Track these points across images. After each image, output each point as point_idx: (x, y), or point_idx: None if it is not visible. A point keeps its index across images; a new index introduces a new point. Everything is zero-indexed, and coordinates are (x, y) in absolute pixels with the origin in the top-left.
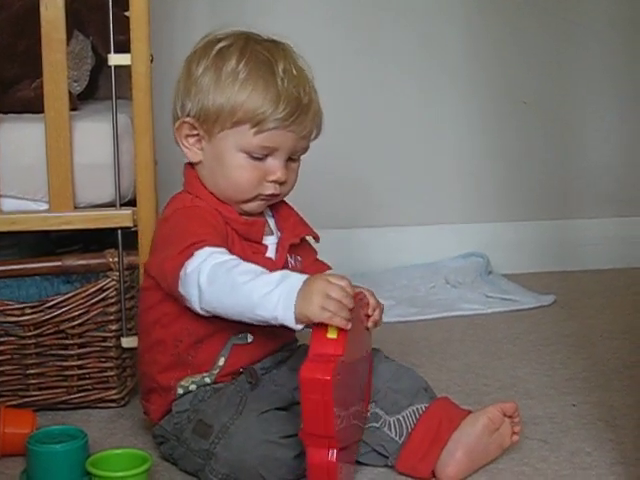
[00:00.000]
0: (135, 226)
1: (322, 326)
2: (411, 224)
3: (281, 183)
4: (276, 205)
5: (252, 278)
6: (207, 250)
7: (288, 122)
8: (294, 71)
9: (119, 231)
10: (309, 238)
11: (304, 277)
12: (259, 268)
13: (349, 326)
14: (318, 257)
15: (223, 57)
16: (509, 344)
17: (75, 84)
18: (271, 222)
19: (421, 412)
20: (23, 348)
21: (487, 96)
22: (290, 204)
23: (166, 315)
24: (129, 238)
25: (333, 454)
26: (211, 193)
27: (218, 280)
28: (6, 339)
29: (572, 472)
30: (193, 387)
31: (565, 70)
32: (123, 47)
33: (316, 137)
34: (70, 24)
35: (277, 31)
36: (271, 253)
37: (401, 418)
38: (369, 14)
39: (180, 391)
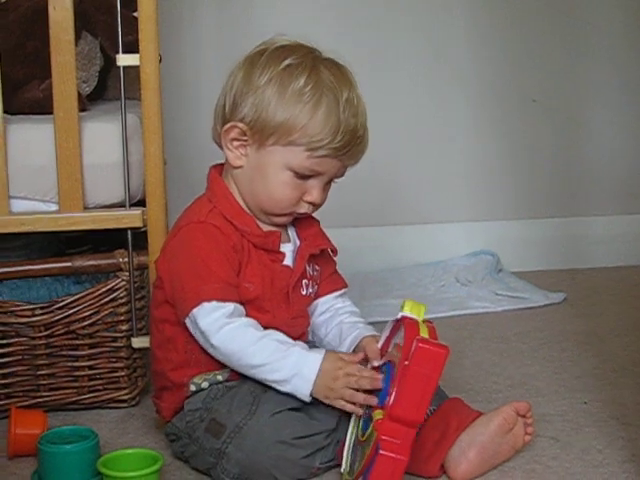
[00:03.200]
0: (145, 226)
1: (414, 326)
2: (420, 222)
3: (315, 204)
4: None
5: (267, 360)
6: (214, 304)
7: (342, 152)
8: (355, 101)
9: (129, 231)
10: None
11: (317, 363)
12: (271, 342)
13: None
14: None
15: (291, 74)
16: (519, 342)
17: (84, 85)
18: (291, 230)
19: (430, 414)
20: (34, 349)
21: (496, 94)
22: (313, 215)
23: (170, 314)
24: (139, 238)
25: (405, 450)
26: (235, 201)
27: (232, 354)
28: (17, 340)
29: (583, 470)
30: (205, 384)
31: (574, 68)
32: (131, 48)
33: (354, 165)
34: (78, 25)
35: (284, 34)
36: (288, 261)
37: None
38: (377, 15)
39: (193, 388)
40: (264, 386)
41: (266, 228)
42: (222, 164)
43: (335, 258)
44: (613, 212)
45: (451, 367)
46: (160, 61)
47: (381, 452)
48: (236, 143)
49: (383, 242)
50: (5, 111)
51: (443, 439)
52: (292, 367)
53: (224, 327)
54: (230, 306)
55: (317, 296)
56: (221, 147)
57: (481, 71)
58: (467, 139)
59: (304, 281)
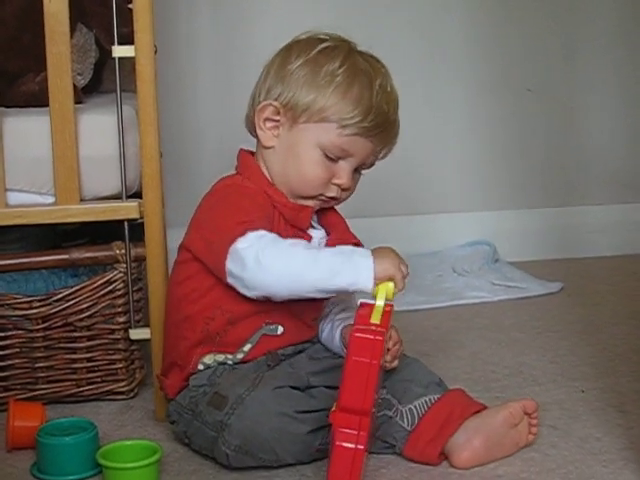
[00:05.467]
0: (141, 218)
1: (367, 310)
2: (417, 213)
3: (344, 189)
4: (326, 209)
5: (318, 253)
6: (261, 232)
7: (373, 133)
8: (389, 88)
9: (125, 223)
10: None
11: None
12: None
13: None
14: None
15: (327, 56)
16: (516, 331)
17: (79, 77)
18: (314, 220)
19: (433, 401)
20: (31, 341)
21: (491, 84)
22: (339, 212)
23: (195, 290)
24: (136, 230)
25: (362, 439)
26: (266, 178)
27: (281, 256)
28: (14, 332)
29: (582, 458)
30: (214, 364)
31: (569, 58)
32: (127, 40)
33: (384, 157)
34: (73, 17)
35: (279, 28)
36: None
37: (413, 408)
38: (371, 4)
39: (201, 367)
40: (267, 366)
41: (297, 205)
42: (251, 150)
43: None
44: (608, 201)
45: (449, 357)
46: (155, 52)
47: (337, 443)
48: (269, 124)
49: (379, 233)
50: (0, 104)
51: (445, 426)
52: (349, 248)
53: (270, 242)
54: (275, 234)
55: None
56: (253, 134)
57: (476, 61)
58: (462, 129)
59: None
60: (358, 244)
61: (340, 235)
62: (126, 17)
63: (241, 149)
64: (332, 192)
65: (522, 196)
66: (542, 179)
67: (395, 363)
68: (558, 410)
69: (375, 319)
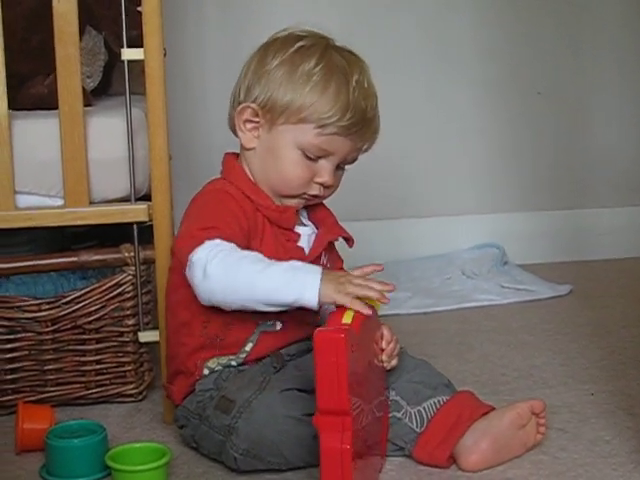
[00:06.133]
0: (150, 220)
1: (339, 313)
2: (425, 215)
3: (326, 187)
4: (314, 205)
5: (266, 266)
6: (217, 241)
7: (351, 131)
8: (366, 84)
9: (134, 226)
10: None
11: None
12: (266, 258)
13: (367, 312)
14: (343, 267)
15: (302, 56)
16: (525, 334)
17: (88, 80)
18: (304, 216)
19: (442, 403)
20: (40, 344)
21: (500, 86)
22: (327, 207)
23: (187, 297)
24: (145, 233)
25: (347, 439)
26: (250, 180)
27: (227, 268)
28: (23, 335)
29: (591, 461)
30: (219, 368)
31: (579, 61)
32: (136, 42)
33: (366, 151)
34: (82, 20)
35: (284, 26)
36: (303, 243)
37: (422, 409)
38: (379, 11)
39: (206, 372)
40: (274, 368)
41: (280, 206)
42: (236, 153)
43: (342, 251)
44: (618, 204)
45: (458, 360)
46: (164, 55)
47: (324, 446)
48: (249, 125)
49: (388, 235)
50: (9, 107)
51: (454, 429)
52: (298, 264)
53: (220, 253)
54: (233, 244)
55: None
56: (236, 135)
57: (485, 64)
58: (472, 132)
59: None
60: (348, 238)
61: (329, 229)
62: (135, 20)
63: (225, 154)
64: (315, 190)
65: (531, 198)
66: (551, 182)
67: (394, 362)
68: (567, 413)
69: (347, 319)
